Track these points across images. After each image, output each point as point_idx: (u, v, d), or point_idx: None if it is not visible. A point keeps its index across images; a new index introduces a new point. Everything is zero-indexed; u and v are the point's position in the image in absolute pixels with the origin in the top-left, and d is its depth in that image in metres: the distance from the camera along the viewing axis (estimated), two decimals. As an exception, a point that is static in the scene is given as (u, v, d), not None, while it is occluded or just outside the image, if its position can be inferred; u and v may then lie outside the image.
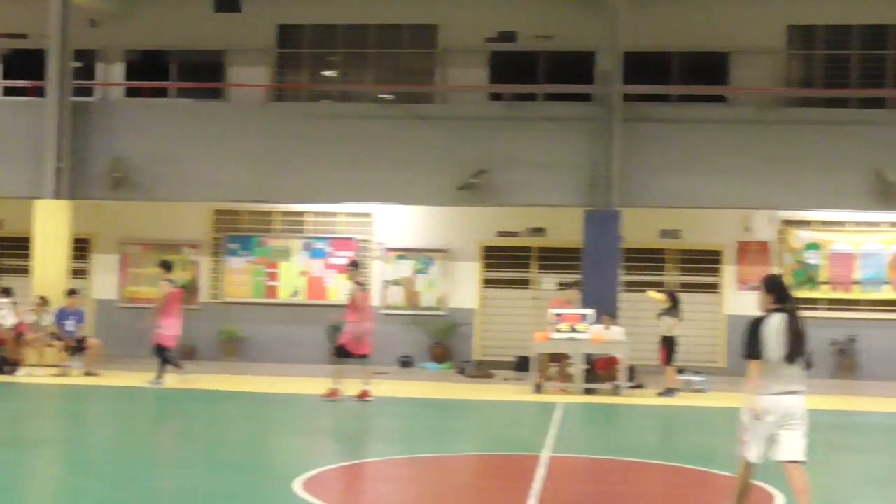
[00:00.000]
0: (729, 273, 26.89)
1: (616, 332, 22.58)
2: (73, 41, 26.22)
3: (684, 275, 27.19)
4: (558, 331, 22.01)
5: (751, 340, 10.15)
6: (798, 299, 10.55)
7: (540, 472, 12.79)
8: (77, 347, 23.68)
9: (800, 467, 10.12)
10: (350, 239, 27.80)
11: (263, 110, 26.74)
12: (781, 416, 10.09)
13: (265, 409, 19.52)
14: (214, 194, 26.59)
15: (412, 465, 13.75)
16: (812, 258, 26.77)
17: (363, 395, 20.01)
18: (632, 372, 23.58)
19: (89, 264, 28.52)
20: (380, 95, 27.27)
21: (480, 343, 27.61)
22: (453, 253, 27.66)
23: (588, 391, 22.06)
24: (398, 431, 17.63)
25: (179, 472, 12.80)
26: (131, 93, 28.70)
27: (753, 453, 10.13)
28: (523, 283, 27.64)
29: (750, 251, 26.99)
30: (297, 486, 11.66)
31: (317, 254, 27.72)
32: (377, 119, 26.18)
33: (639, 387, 23.32)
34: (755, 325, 10.20)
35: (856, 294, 26.73)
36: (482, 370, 25.70)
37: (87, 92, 28.43)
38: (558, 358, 23.09)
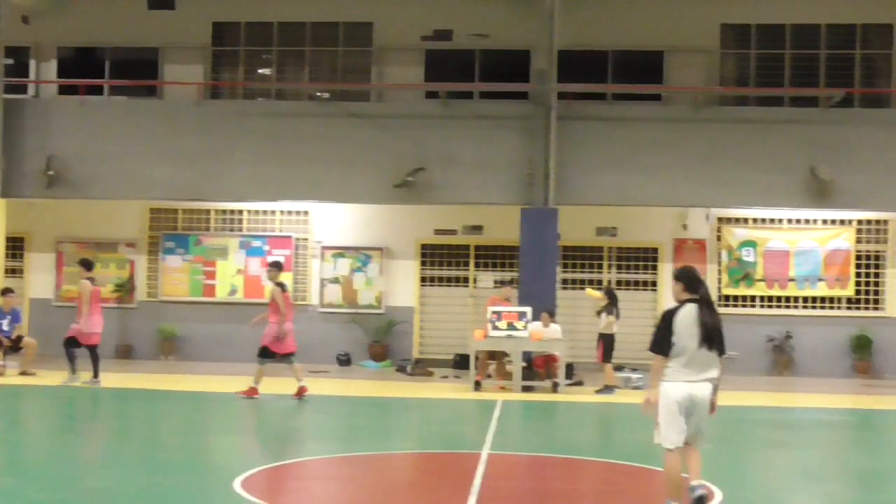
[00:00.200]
0: (666, 270, 27.00)
1: (554, 330, 22.66)
2: (4, 38, 25.97)
3: (621, 272, 27.34)
4: (497, 328, 22.04)
5: (658, 333, 10.37)
6: (709, 289, 10.76)
7: (479, 470, 12.81)
8: (12, 347, 23.45)
9: (698, 451, 10.40)
10: (288, 237, 27.71)
11: (198, 108, 26.58)
12: (693, 403, 10.30)
13: (203, 409, 19.42)
14: (150, 192, 26.43)
15: (352, 464, 13.72)
16: (748, 256, 27.00)
17: (300, 392, 19.96)
18: (570, 369, 23.68)
19: (24, 263, 28.25)
20: (315, 93, 27.17)
21: (419, 341, 27.62)
22: (391, 251, 27.65)
23: (527, 389, 22.12)
24: (337, 430, 17.58)
25: (116, 472, 12.67)
26: (65, 90, 28.43)
27: (671, 440, 10.30)
28: (461, 281, 27.67)
29: (686, 249, 27.19)
30: (237, 485, 11.60)
31: (254, 252, 27.61)
32: (313, 117, 26.13)
33: (577, 384, 23.42)
34: (667, 316, 10.41)
35: (791, 291, 27.00)
36: (421, 368, 25.69)
37: (19, 89, 28.20)
38: (496, 355, 23.15)
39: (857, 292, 27.06)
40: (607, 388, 21.98)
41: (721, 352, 10.61)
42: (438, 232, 27.65)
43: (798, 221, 27.07)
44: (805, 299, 27.07)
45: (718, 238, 27.22)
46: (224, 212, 27.97)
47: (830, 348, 26.79)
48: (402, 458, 14.64)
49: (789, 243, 26.95)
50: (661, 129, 25.52)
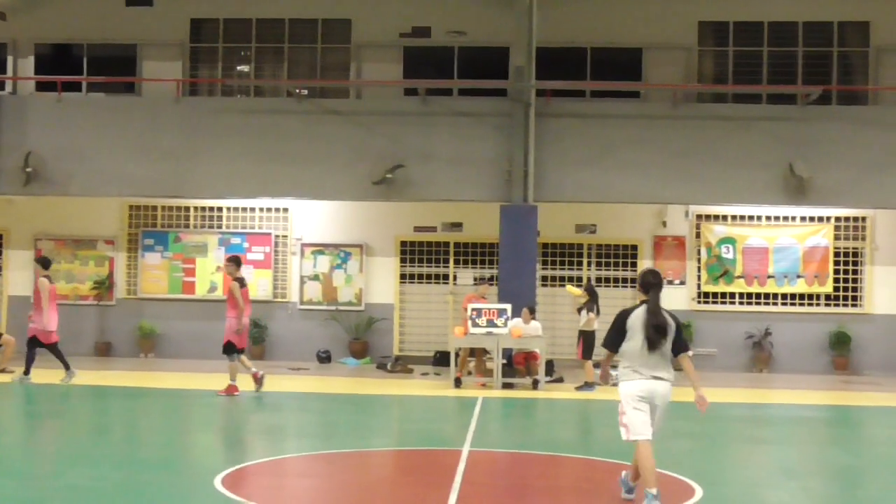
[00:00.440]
0: (645, 267, 27.09)
1: (534, 327, 22.68)
2: (-18, 34, 25.91)
3: (601, 269, 27.38)
4: (477, 325, 22.06)
5: (609, 331, 10.93)
6: (659, 293, 11.04)
7: (460, 467, 12.82)
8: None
9: (650, 445, 10.69)
10: (267, 234, 27.69)
11: (177, 105, 26.49)
12: (653, 397, 10.74)
13: (182, 406, 19.36)
14: (128, 189, 26.36)
15: (332, 461, 13.70)
16: (727, 253, 27.08)
17: (230, 391, 19.98)
18: (550, 366, 23.72)
19: (2, 260, 28.18)
20: (294, 90, 27.13)
21: (399, 338, 27.62)
22: (370, 248, 27.66)
23: (507, 386, 22.15)
24: (317, 427, 17.56)
25: (94, 469, 12.63)
26: (43, 87, 28.33)
27: (640, 431, 10.71)
28: (441, 278, 27.68)
29: (666, 246, 27.28)
30: (217, 482, 11.58)
31: (233, 249, 27.52)
32: (292, 114, 26.09)
33: (558, 381, 23.45)
34: (620, 316, 10.91)
35: (770, 288, 27.09)
36: (401, 365, 25.69)
37: (-3, 86, 28.13)
38: (476, 352, 23.17)
39: (836, 289, 27.18)
40: (587, 385, 22.01)
41: (679, 349, 10.99)
42: (418, 229, 27.66)
43: (777, 218, 27.17)
44: (784, 296, 27.17)
45: (698, 235, 27.30)
46: (203, 209, 27.92)
47: (809, 345, 26.92)
48: (383, 455, 14.64)
49: (768, 240, 27.05)
50: (639, 126, 25.57)
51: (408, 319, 27.78)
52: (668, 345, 10.86)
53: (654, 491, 10.50)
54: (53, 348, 21.68)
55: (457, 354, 22.56)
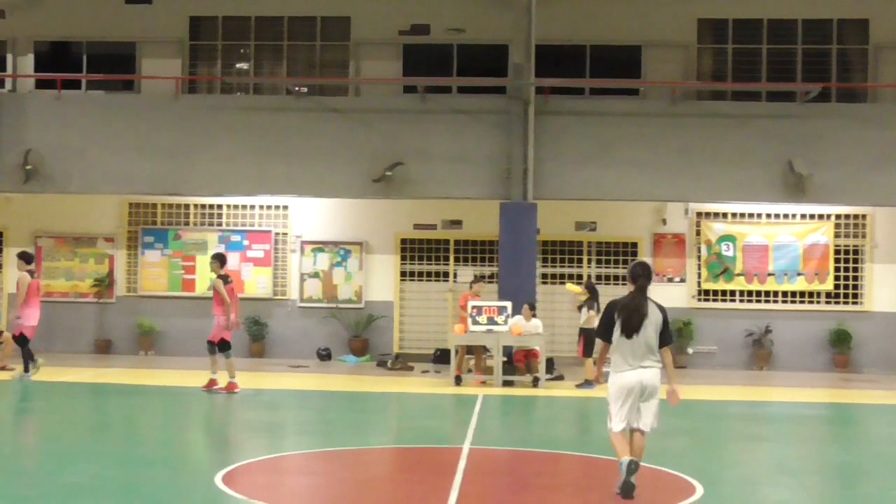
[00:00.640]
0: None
1: (534, 325, 22.68)
2: (-19, 32, 25.90)
3: (601, 267, 27.39)
4: (477, 323, 22.07)
5: (602, 321, 11.42)
6: (647, 284, 11.35)
7: (461, 465, 12.82)
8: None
9: (644, 434, 11.22)
10: (267, 232, 27.69)
11: (176, 103, 26.49)
12: (642, 389, 11.12)
13: (182, 404, 19.35)
14: (127, 187, 26.35)
15: (333, 459, 13.70)
16: (727, 250, 27.09)
17: (210, 385, 20.12)
18: (550, 364, 23.72)
19: (2, 258, 28.16)
20: (293, 88, 27.11)
21: (399, 336, 27.62)
22: (370, 245, 27.66)
23: (507, 383, 22.15)
24: (318, 425, 17.56)
25: (94, 467, 12.62)
26: (42, 84, 28.31)
27: (617, 424, 11.15)
28: (441, 276, 27.68)
29: (665, 243, 27.29)
30: (218, 480, 11.59)
31: (233, 247, 27.56)
32: (290, 112, 26.07)
33: (558, 378, 23.46)
34: (609, 307, 11.39)
35: (770, 286, 27.09)
36: (401, 363, 25.69)
37: (-4, 83, 28.13)
38: (474, 350, 23.16)
39: (836, 287, 27.19)
40: (588, 383, 21.99)
41: (663, 342, 11.27)
42: (418, 226, 27.66)
43: (777, 216, 27.18)
44: (784, 294, 27.18)
45: (697, 233, 27.30)
46: (203, 206, 27.92)
47: (809, 342, 26.94)
48: (383, 453, 14.63)
49: (768, 238, 27.05)
50: (638, 124, 25.57)
51: (408, 317, 27.79)
52: (652, 335, 11.16)
53: (625, 461, 11.00)
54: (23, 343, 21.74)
55: (457, 352, 22.59)
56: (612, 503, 11.14)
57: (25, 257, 22.28)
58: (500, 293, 24.23)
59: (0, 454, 14.12)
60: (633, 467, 10.91)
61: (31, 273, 21.88)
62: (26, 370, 21.50)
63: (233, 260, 27.53)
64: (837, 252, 27.18)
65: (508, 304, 22.42)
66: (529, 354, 22.78)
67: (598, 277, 26.87)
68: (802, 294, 27.20)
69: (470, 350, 23.20)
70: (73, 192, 26.45)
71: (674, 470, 12.66)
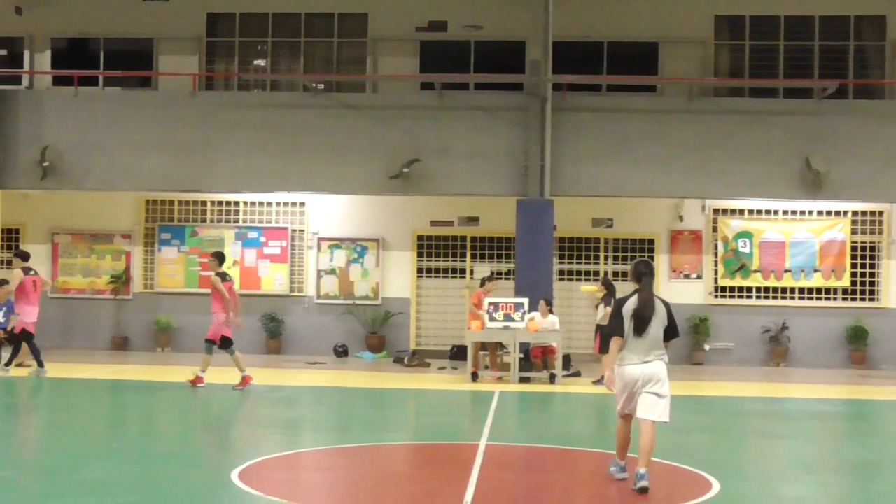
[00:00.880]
0: (662, 262, 27.14)
1: (551, 321, 22.66)
2: (-1, 29, 25.97)
3: (618, 263, 27.37)
4: (494, 320, 22.09)
5: (611, 319, 11.78)
6: (651, 281, 11.83)
7: (477, 461, 12.84)
8: (8, 339, 23.37)
9: (652, 426, 11.41)
10: (284, 228, 27.72)
11: (193, 99, 26.52)
12: (646, 381, 11.45)
13: (199, 400, 19.37)
14: (144, 184, 26.40)
15: (349, 455, 13.71)
16: (744, 247, 27.04)
17: (196, 382, 20.13)
18: (567, 360, 23.72)
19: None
20: (311, 84, 27.14)
21: (416, 332, 27.65)
22: (387, 242, 27.69)
23: (524, 380, 22.14)
24: (334, 421, 17.59)
25: (111, 463, 12.65)
26: (59, 81, 28.39)
27: (624, 407, 11.71)
28: (458, 272, 27.69)
29: (682, 240, 27.26)
30: (234, 476, 11.61)
31: (250, 243, 27.63)
32: (307, 108, 26.09)
33: (575, 375, 23.45)
34: (617, 305, 11.83)
35: (787, 282, 27.05)
36: (418, 359, 25.70)
37: (13, 80, 28.15)
38: (488, 346, 23.16)
39: (853, 283, 27.14)
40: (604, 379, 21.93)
41: (670, 335, 11.65)
42: (435, 223, 27.68)
43: (793, 213, 27.13)
44: (801, 290, 27.13)
45: (714, 229, 27.27)
46: (220, 203, 27.97)
47: (826, 339, 26.90)
48: (400, 449, 14.65)
49: (785, 234, 27.01)
50: (655, 121, 25.54)
51: (424, 314, 27.81)
52: (658, 330, 11.54)
53: (621, 463, 11.89)
54: (18, 341, 21.81)
55: (484, 349, 22.72)
56: (628, 500, 11.14)
57: (22, 255, 22.49)
58: (516, 290, 24.24)
59: (19, 450, 14.19)
60: (642, 474, 11.21)
61: (26, 270, 21.98)
62: (40, 365, 21.61)
63: (250, 256, 27.64)
64: (854, 248, 27.13)
65: (525, 301, 22.42)
66: (546, 351, 22.77)
67: (615, 274, 26.84)
68: (819, 291, 27.15)
69: (484, 346, 23.20)
70: (90, 189, 26.51)
71: (690, 466, 12.65)
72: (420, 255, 27.79)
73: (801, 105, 25.72)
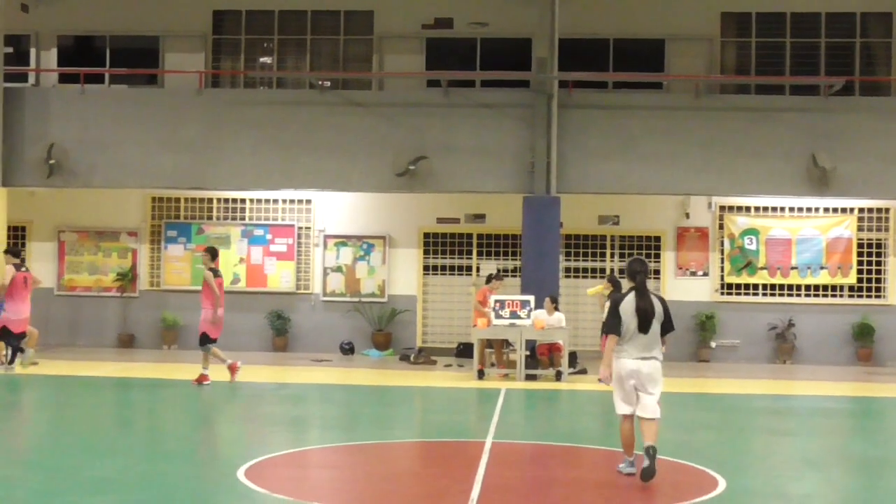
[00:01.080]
0: (668, 259, 27.14)
1: (557, 318, 22.66)
2: (4, 26, 25.93)
3: (624, 260, 27.33)
4: (500, 317, 22.09)
5: (608, 317, 12.11)
6: (645, 279, 12.19)
7: (484, 459, 12.84)
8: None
9: (654, 422, 11.78)
10: (290, 226, 27.72)
11: (199, 97, 26.49)
12: (645, 379, 11.85)
13: (205, 398, 19.38)
14: (150, 181, 26.39)
15: (355, 453, 13.74)
16: (750, 244, 27.02)
17: (200, 380, 20.15)
18: (573, 357, 23.71)
19: (26, 252, 28.19)
20: (317, 82, 27.14)
21: (422, 329, 27.65)
22: (393, 239, 27.67)
23: (530, 377, 22.14)
24: (340, 418, 17.59)
25: (117, 461, 12.67)
26: (65, 79, 28.41)
27: (621, 408, 12.04)
28: (464, 270, 27.69)
29: (689, 237, 27.24)
30: (241, 474, 11.62)
31: (256, 241, 27.64)
32: (314, 106, 26.07)
33: (581, 372, 23.44)
34: (615, 303, 12.11)
35: (793, 279, 27.03)
36: (424, 357, 25.70)
37: (19, 78, 28.18)
38: (493, 344, 23.16)
39: (859, 280, 27.10)
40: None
41: (666, 330, 12.07)
42: (441, 220, 27.67)
43: (800, 210, 27.11)
44: (807, 287, 27.11)
45: (721, 226, 27.24)
46: (226, 200, 27.97)
47: (832, 336, 26.87)
48: (406, 446, 14.66)
49: (791, 231, 26.99)
50: (661, 118, 25.51)
51: (431, 311, 27.81)
52: (657, 328, 11.94)
53: (630, 459, 12.04)
54: (10, 337, 21.87)
55: (490, 346, 22.75)
56: (634, 497, 11.15)
57: (13, 251, 22.58)
58: (523, 287, 24.24)
59: (25, 448, 14.22)
60: (651, 452, 11.49)
61: (17, 267, 22.04)
62: (10, 362, 21.76)
63: (256, 254, 27.65)
64: (860, 246, 27.09)
65: (531, 298, 22.42)
66: (552, 348, 22.78)
67: (622, 271, 26.76)
68: (825, 288, 27.12)
69: (490, 344, 23.21)
70: (96, 187, 26.51)
71: (696, 463, 12.66)
72: (426, 252, 27.78)
73: (808, 102, 25.67)
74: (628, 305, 11.91)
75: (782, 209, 27.13)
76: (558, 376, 22.10)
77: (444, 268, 27.76)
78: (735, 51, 27.90)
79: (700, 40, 27.49)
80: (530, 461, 13.68)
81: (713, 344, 26.92)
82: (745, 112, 25.45)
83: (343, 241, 27.76)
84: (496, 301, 22.28)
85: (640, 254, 27.11)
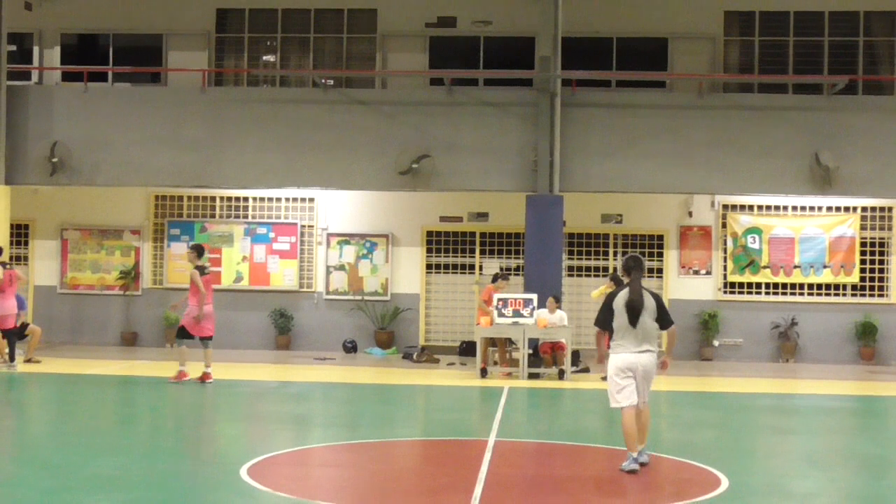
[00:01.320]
0: (671, 258, 27.14)
1: (560, 317, 22.66)
2: (7, 24, 25.93)
3: (626, 259, 27.30)
4: (503, 315, 22.10)
5: (601, 312, 12.45)
6: (640, 275, 12.51)
7: (486, 457, 12.85)
8: (18, 334, 23.41)
9: (647, 408, 12.35)
10: (293, 224, 27.72)
11: (203, 95, 26.49)
12: (643, 372, 12.18)
13: (207, 396, 19.40)
14: (154, 179, 26.39)
15: (358, 451, 13.73)
16: (753, 243, 27.01)
17: (204, 378, 20.15)
18: (576, 356, 23.71)
19: (29, 250, 28.26)
20: (320, 80, 27.15)
21: (425, 328, 27.65)
22: (396, 238, 27.67)
23: (533, 376, 22.15)
24: (343, 417, 17.59)
25: (119, 459, 12.68)
26: (68, 77, 28.44)
27: (619, 400, 12.21)
28: (467, 268, 27.69)
29: (691, 236, 27.23)
30: (244, 472, 11.63)
31: (259, 239, 27.64)
32: (317, 104, 26.07)
33: (584, 371, 23.44)
34: (608, 298, 12.46)
35: (796, 278, 27.02)
36: (427, 355, 25.70)
37: (23, 76, 28.20)
38: (497, 342, 23.16)
39: (862, 279, 27.09)
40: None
41: (662, 325, 12.34)
42: (444, 219, 27.67)
43: (803, 208, 27.10)
44: (810, 286, 27.10)
45: (724, 225, 27.23)
46: (229, 199, 27.97)
47: (835, 335, 26.86)
48: (409, 445, 14.66)
49: (794, 230, 26.98)
50: (665, 116, 25.51)
51: (434, 309, 27.81)
52: (650, 321, 12.21)
53: (634, 454, 12.04)
54: (8, 335, 21.90)
55: (494, 344, 22.74)
56: (637, 494, 11.15)
57: None
58: (525, 286, 24.23)
59: (27, 446, 14.22)
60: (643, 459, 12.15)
61: (4, 265, 22.06)
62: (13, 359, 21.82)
63: (259, 252, 27.65)
64: (863, 244, 27.09)
65: (534, 297, 22.43)
66: (555, 347, 22.78)
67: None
68: (828, 286, 27.12)
69: (493, 342, 23.21)
70: (99, 185, 26.52)
71: (699, 462, 12.66)
72: (429, 250, 27.78)
73: (811, 101, 25.66)
74: (619, 300, 12.26)
75: (785, 208, 27.13)
76: (561, 375, 22.11)
77: (447, 266, 27.76)
78: (738, 49, 27.89)
79: (703, 39, 27.49)
80: (533, 459, 13.69)
81: (716, 342, 26.92)
82: (748, 111, 25.44)
83: (346, 239, 27.76)
84: (499, 299, 22.28)
85: (643, 252, 27.11)
